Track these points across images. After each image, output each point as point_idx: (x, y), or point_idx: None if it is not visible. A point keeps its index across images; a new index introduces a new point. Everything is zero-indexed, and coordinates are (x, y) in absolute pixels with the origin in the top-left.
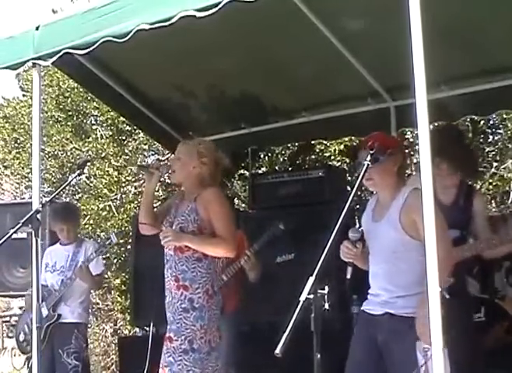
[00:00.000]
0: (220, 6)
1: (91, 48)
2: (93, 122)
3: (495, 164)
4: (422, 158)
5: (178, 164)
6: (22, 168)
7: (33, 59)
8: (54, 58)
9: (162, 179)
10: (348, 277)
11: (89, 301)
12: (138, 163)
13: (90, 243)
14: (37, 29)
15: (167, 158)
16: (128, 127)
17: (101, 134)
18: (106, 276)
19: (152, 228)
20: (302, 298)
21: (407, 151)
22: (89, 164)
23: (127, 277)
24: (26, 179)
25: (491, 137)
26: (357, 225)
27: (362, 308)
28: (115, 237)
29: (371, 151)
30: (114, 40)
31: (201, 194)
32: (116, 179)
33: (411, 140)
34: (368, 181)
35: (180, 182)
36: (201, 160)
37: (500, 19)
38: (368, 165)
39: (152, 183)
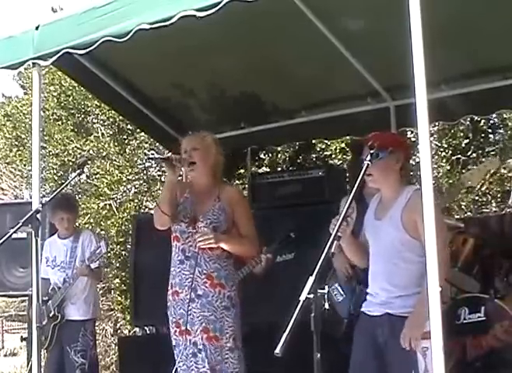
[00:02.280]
0: (220, 6)
1: (91, 48)
2: (94, 121)
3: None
4: (422, 158)
5: (198, 154)
6: (24, 165)
7: (32, 59)
8: (54, 58)
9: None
10: (333, 250)
11: (94, 294)
12: (152, 155)
13: (87, 234)
14: (37, 28)
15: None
16: (129, 126)
17: (102, 133)
18: (107, 275)
19: (170, 221)
20: (302, 297)
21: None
22: (89, 163)
23: (127, 276)
24: (26, 179)
25: (491, 136)
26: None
27: (362, 310)
28: (104, 247)
29: (371, 150)
30: (114, 39)
31: (223, 192)
32: (117, 178)
33: (413, 139)
34: (368, 177)
35: (204, 174)
36: (218, 148)
37: (500, 18)
38: (368, 164)
39: (175, 176)
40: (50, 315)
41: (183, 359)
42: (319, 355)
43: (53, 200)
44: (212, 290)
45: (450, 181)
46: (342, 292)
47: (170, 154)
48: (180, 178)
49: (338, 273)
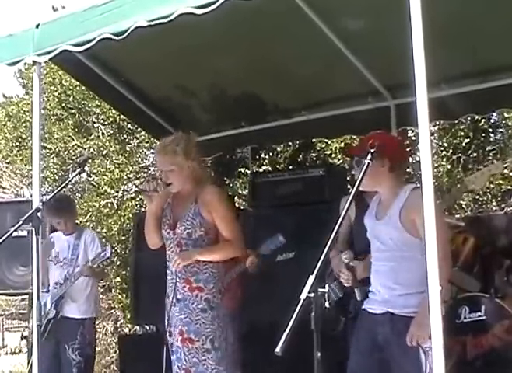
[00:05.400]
0: (218, 3)
1: (88, 45)
2: (95, 120)
3: (495, 162)
4: (423, 157)
5: (173, 174)
6: (25, 164)
7: (32, 56)
8: (52, 55)
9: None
10: (359, 299)
11: (95, 293)
12: (140, 187)
13: (89, 233)
14: (37, 27)
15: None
16: (129, 126)
17: (103, 132)
18: (108, 273)
19: (160, 242)
20: (302, 296)
21: (407, 149)
22: (89, 161)
23: (127, 275)
24: (26, 178)
25: (492, 135)
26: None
27: (363, 307)
28: (109, 251)
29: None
30: (112, 37)
31: (200, 194)
32: (117, 176)
33: (413, 138)
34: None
35: (182, 185)
36: (190, 157)
37: (500, 17)
38: (367, 164)
39: (153, 205)
40: (47, 309)
41: (173, 360)
42: (319, 354)
43: (46, 204)
44: (189, 293)
45: (451, 181)
46: (339, 291)
47: (143, 185)
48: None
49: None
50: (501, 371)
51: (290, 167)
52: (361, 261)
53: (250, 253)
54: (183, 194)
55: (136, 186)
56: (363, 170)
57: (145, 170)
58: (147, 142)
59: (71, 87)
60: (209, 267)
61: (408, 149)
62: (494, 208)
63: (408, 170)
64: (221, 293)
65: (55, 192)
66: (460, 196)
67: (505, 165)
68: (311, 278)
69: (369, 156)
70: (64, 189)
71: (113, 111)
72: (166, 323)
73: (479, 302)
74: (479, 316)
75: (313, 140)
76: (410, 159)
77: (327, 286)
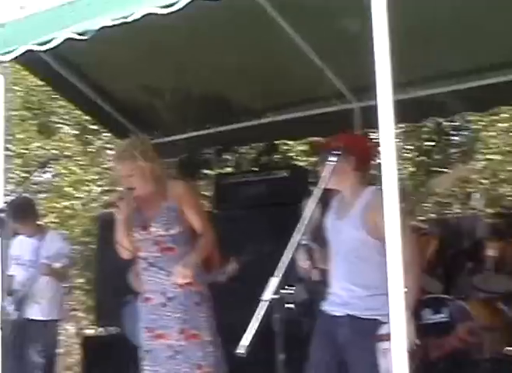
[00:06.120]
0: (184, 3)
1: (52, 45)
2: (58, 120)
3: (459, 165)
4: (385, 160)
5: (135, 180)
6: None
7: None
8: (16, 54)
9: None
10: (316, 279)
11: (60, 295)
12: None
13: (52, 234)
14: (3, 26)
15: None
16: (93, 126)
17: (66, 133)
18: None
19: (132, 250)
20: (264, 298)
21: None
22: (52, 162)
23: (91, 276)
24: None
25: (455, 138)
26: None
27: (322, 309)
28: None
29: (331, 152)
30: (77, 37)
31: (169, 190)
32: (80, 177)
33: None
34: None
35: (146, 187)
36: (148, 159)
37: (462, 20)
38: (330, 166)
39: (121, 215)
40: (9, 312)
41: (160, 362)
42: (282, 356)
43: (7, 208)
44: (181, 290)
45: (415, 183)
46: (306, 292)
47: (109, 198)
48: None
49: (301, 273)
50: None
51: (254, 169)
52: (321, 248)
53: (232, 260)
54: (148, 196)
55: (100, 187)
56: (329, 169)
57: (109, 171)
58: (111, 143)
59: (34, 87)
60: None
61: (374, 151)
62: (457, 210)
63: (372, 172)
64: (208, 285)
65: (18, 193)
66: (425, 198)
67: (471, 168)
68: (274, 280)
69: (335, 156)
70: (25, 191)
71: (77, 112)
72: (145, 324)
73: (442, 304)
74: (442, 318)
75: (278, 142)
76: (375, 161)
77: (291, 287)
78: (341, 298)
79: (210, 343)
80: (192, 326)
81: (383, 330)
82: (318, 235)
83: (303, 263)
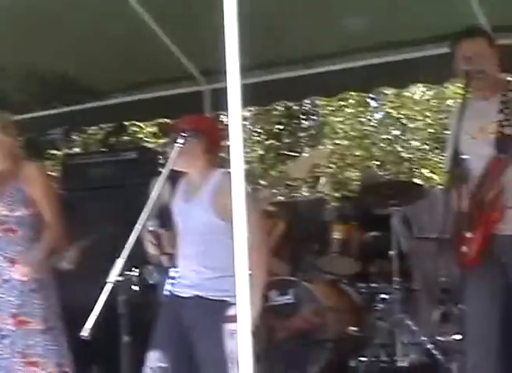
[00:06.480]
0: None
1: None
2: None
3: (307, 149)
4: (233, 142)
5: None
6: None
7: None
8: None
9: None
10: (165, 265)
11: None
12: None
13: None
14: None
15: None
16: None
17: None
18: None
19: None
20: (110, 280)
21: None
22: None
23: None
24: None
25: (304, 122)
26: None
27: (169, 290)
28: None
29: (180, 133)
30: None
31: (22, 170)
32: None
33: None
34: (175, 160)
35: (0, 167)
36: (7, 134)
37: (309, 7)
38: (178, 148)
39: None
40: None
41: None
42: (127, 338)
43: None
44: (17, 274)
45: (265, 166)
46: (156, 274)
47: None
48: None
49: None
50: (309, 353)
51: (103, 150)
52: (168, 231)
53: (73, 247)
54: (2, 172)
55: None
56: (177, 151)
57: None
58: None
59: None
60: (32, 247)
61: (223, 133)
62: (305, 194)
63: (222, 155)
64: (47, 271)
65: None
66: (281, 183)
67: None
68: (120, 261)
69: (183, 138)
70: None
71: None
72: None
73: (288, 286)
74: (288, 299)
75: (127, 123)
76: (225, 144)
77: (138, 269)
78: (190, 280)
79: (42, 333)
80: (24, 313)
81: (231, 311)
82: (167, 218)
83: (151, 249)
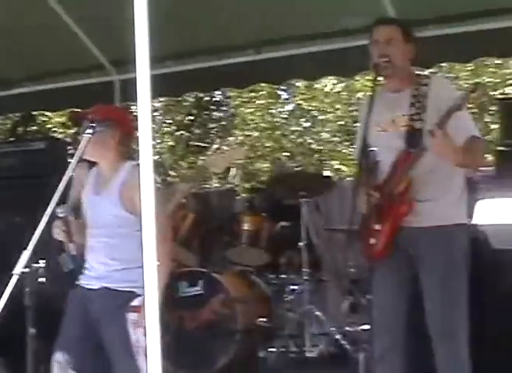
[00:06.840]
0: None
1: None
2: None
3: (218, 140)
4: (141, 134)
5: None
6: None
7: None
8: None
9: None
10: (73, 253)
11: None
12: None
13: None
14: None
15: None
16: None
17: None
18: None
19: None
20: (16, 271)
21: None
22: None
23: None
24: None
25: (215, 113)
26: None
27: (77, 283)
28: None
29: (90, 123)
30: None
31: None
32: None
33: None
34: (84, 150)
35: None
36: None
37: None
38: (88, 137)
39: None
40: None
41: None
42: (33, 330)
43: None
44: None
45: (175, 157)
46: (71, 262)
47: None
48: None
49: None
50: (218, 344)
51: (10, 139)
52: (77, 220)
53: None
54: None
55: None
56: (85, 141)
57: None
58: None
59: None
60: None
61: (134, 124)
62: (215, 185)
63: (133, 146)
64: None
65: None
66: (201, 177)
67: (225, 143)
68: (26, 253)
69: (92, 128)
70: None
71: None
72: None
73: (197, 277)
74: (197, 291)
75: (36, 113)
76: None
77: (44, 261)
78: (98, 272)
79: None
80: None
81: (135, 302)
82: (77, 209)
83: (59, 235)
